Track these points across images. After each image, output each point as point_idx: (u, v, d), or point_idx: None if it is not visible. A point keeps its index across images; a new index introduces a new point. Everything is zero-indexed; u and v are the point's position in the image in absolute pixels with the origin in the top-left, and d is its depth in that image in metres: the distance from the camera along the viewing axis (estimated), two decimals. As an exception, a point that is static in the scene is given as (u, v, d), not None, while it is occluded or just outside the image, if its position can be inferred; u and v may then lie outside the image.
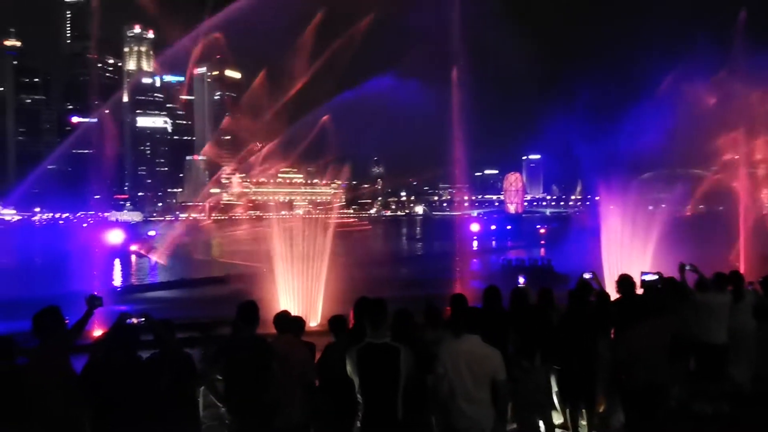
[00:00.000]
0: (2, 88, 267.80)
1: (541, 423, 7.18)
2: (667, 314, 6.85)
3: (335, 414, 5.92)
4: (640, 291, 7.77)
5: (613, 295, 8.05)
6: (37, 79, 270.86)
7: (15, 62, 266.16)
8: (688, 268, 8.17)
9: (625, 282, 7.70)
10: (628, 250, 18.47)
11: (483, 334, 6.11)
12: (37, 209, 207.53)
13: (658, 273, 8.15)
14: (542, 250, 47.50)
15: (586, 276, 8.14)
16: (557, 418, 7.62)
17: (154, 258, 54.39)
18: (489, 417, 5.34)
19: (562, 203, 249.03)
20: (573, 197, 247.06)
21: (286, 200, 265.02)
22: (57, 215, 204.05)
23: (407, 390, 5.09)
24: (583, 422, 7.39)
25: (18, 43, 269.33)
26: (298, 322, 6.76)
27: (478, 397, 5.29)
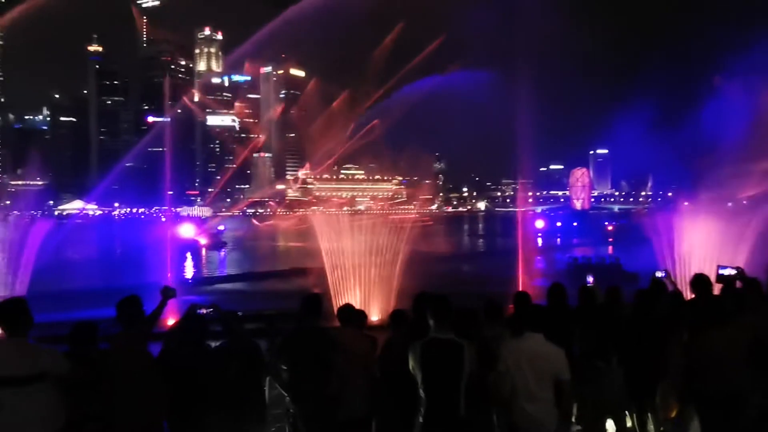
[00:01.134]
0: (86, 92, 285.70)
1: (611, 425, 6.95)
2: (746, 316, 6.45)
3: (396, 408, 5.97)
4: (717, 288, 7.36)
5: (688, 295, 7.67)
6: (116, 82, 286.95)
7: (97, 66, 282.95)
8: None
9: (700, 282, 7.30)
10: (704, 249, 17.48)
11: (547, 333, 5.99)
12: (116, 204, 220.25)
13: (737, 268, 7.67)
14: (610, 248, 45.84)
15: (659, 275, 7.81)
16: (627, 421, 7.36)
17: (223, 251, 56.50)
18: (552, 417, 5.22)
19: (631, 199, 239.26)
20: (643, 193, 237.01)
21: (348, 196, 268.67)
22: (134, 210, 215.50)
23: (470, 387, 5.05)
24: (651, 426, 7.11)
25: (100, 48, 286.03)
26: (360, 315, 6.85)
27: (540, 396, 5.17)
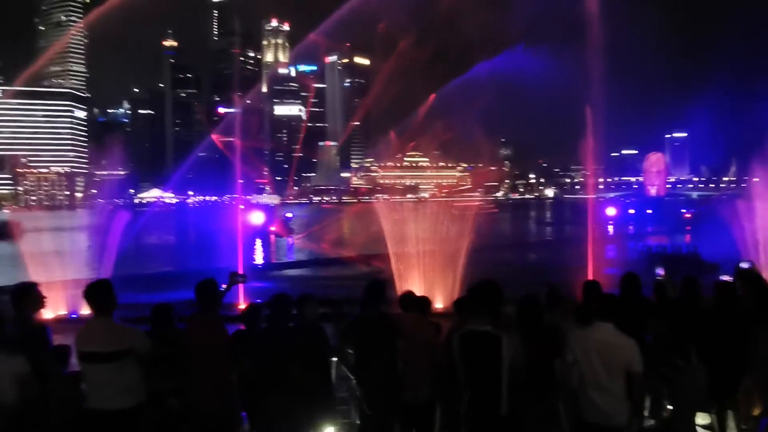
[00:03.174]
0: (162, 85, 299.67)
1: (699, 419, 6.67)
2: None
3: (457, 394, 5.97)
4: None
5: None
6: (190, 75, 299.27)
7: (172, 60, 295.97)
8: None
9: (788, 273, 6.84)
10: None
11: (619, 323, 5.77)
12: (191, 193, 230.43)
13: None
14: (687, 237, 43.55)
15: (744, 265, 7.38)
16: (703, 419, 7.03)
17: (291, 238, 57.98)
18: (623, 410, 5.03)
19: (711, 185, 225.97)
20: (726, 179, 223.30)
21: (413, 184, 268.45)
22: (207, 198, 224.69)
23: (514, 380, 4.93)
24: (732, 424, 6.75)
25: (175, 43, 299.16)
26: (424, 301, 6.87)
27: (610, 388, 4.99)
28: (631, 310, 6.53)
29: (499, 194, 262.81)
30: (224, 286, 6.43)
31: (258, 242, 47.65)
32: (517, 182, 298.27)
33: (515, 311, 6.01)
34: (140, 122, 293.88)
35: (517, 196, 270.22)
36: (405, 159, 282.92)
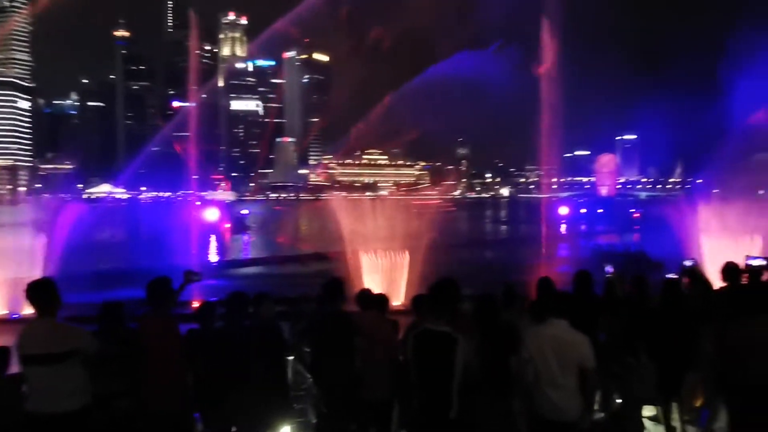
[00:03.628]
0: (113, 76, 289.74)
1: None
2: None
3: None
4: (744, 278, 7.22)
5: (717, 284, 7.51)
6: (143, 67, 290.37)
7: (124, 51, 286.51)
8: None
9: (731, 270, 7.15)
10: (733, 237, 17.05)
11: (572, 321, 5.89)
12: (143, 188, 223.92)
13: (766, 258, 7.54)
14: (636, 236, 45.12)
15: (687, 264, 7.68)
16: (649, 411, 7.30)
17: (247, 235, 57.10)
18: (575, 405, 5.15)
19: (659, 186, 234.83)
20: (672, 180, 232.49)
21: (371, 181, 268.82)
22: (160, 194, 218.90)
23: (464, 383, 4.87)
24: (675, 415, 7.02)
25: (127, 33, 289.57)
26: (382, 299, 6.87)
27: (563, 384, 5.10)
28: (584, 307, 6.73)
29: (457, 193, 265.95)
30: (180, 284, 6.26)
31: (213, 239, 46.77)
32: (474, 181, 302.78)
33: (472, 310, 6.08)
34: (89, 114, 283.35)
35: (473, 194, 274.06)
36: (364, 156, 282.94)
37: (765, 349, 5.71)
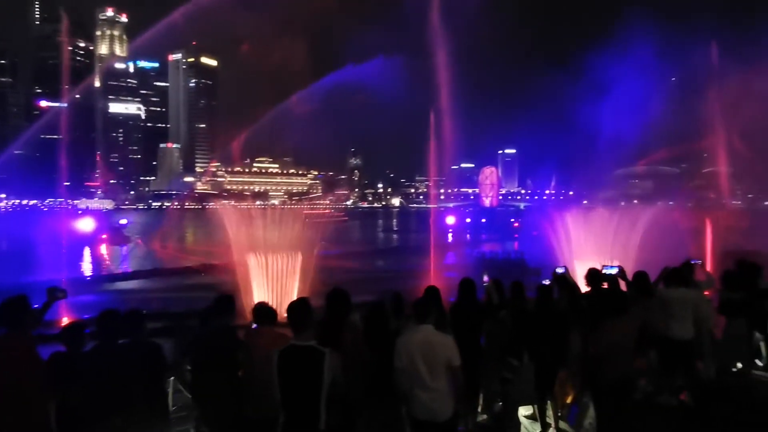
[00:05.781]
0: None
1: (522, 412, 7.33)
2: (633, 308, 6.98)
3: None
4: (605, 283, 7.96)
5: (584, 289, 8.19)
6: (4, 61, 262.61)
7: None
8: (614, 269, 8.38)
9: (593, 276, 7.85)
10: (597, 245, 18.71)
11: (455, 325, 6.13)
12: (3, 195, 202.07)
13: (619, 266, 8.38)
14: (516, 244, 47.98)
15: (559, 270, 8.27)
16: (526, 410, 7.75)
17: (126, 247, 53.49)
18: (447, 406, 5.35)
19: (536, 197, 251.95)
20: (547, 191, 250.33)
21: (262, 190, 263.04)
22: (24, 202, 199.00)
23: (333, 397, 4.75)
24: (549, 412, 7.53)
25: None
26: (270, 313, 6.71)
27: (433, 386, 5.29)
28: (467, 312, 7.07)
29: (349, 202, 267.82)
30: (41, 304, 5.69)
31: (87, 252, 43.36)
32: (366, 191, 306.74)
33: (362, 319, 6.12)
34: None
35: (366, 204, 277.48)
36: (254, 164, 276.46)
37: (622, 348, 6.35)
